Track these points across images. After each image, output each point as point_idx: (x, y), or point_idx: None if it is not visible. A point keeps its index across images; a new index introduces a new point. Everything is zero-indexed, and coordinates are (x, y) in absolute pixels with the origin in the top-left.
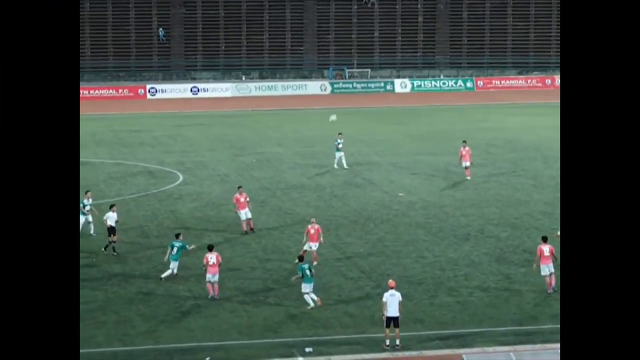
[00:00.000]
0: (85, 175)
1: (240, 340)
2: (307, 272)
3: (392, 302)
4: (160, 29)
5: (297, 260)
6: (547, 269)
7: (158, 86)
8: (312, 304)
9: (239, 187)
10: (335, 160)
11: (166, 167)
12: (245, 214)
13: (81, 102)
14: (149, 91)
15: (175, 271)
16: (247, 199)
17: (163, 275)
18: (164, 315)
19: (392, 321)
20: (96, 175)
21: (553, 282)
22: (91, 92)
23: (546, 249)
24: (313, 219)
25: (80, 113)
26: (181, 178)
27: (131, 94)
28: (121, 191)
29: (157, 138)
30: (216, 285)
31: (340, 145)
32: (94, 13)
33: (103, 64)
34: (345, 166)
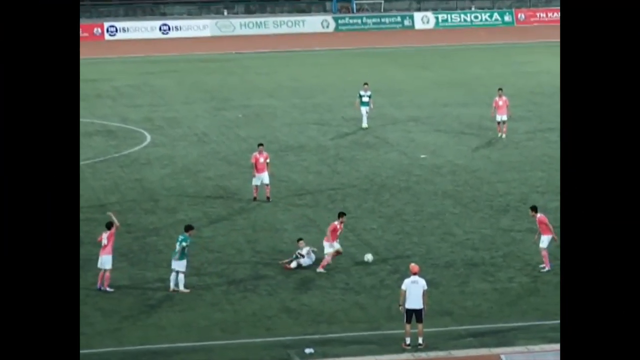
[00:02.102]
0: None
1: (224, 340)
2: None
3: (414, 291)
4: None
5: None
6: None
7: (119, 24)
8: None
9: (260, 145)
10: (364, 118)
11: (130, 125)
12: (261, 178)
13: None
14: (107, 30)
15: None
16: (268, 160)
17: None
18: (128, 310)
19: (415, 314)
20: None
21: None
22: None
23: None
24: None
25: None
26: (149, 138)
27: (85, 34)
28: None
29: (118, 89)
30: (108, 274)
31: (366, 99)
32: None
33: None
34: (364, 125)
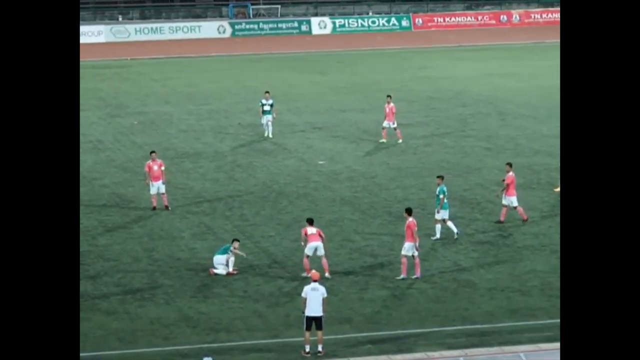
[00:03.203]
0: None
1: (120, 350)
2: None
3: (314, 298)
4: None
5: None
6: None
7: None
8: None
9: (152, 152)
10: (268, 128)
11: None
12: (158, 187)
13: None
14: None
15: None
16: (163, 168)
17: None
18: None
19: (314, 322)
20: None
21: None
22: None
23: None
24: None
25: None
26: None
27: None
28: None
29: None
30: None
31: (267, 107)
32: None
33: None
34: (269, 134)
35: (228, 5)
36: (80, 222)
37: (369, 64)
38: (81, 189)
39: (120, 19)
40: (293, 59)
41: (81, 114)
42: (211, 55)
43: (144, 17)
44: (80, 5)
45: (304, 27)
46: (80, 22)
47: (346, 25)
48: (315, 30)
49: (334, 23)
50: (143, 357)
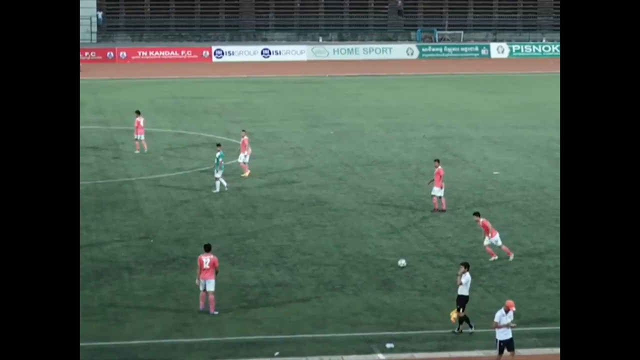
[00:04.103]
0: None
1: (313, 334)
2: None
3: (504, 322)
4: None
5: None
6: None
7: (225, 48)
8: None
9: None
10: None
11: (233, 139)
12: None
13: (140, 64)
14: (214, 53)
15: None
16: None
17: None
18: (228, 304)
19: (506, 346)
20: (155, 146)
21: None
22: (150, 53)
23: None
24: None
25: (139, 76)
26: (249, 151)
27: (195, 56)
28: (182, 164)
29: (223, 106)
30: (212, 297)
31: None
32: None
33: (164, 22)
34: (218, 189)
35: (416, 30)
36: (280, 219)
37: (541, 85)
38: (281, 190)
39: (320, 40)
40: (472, 80)
41: (284, 123)
42: (399, 75)
43: (341, 39)
44: (286, 27)
45: (483, 51)
46: (286, 42)
47: (522, 50)
48: (494, 54)
49: (510, 48)
50: (333, 341)
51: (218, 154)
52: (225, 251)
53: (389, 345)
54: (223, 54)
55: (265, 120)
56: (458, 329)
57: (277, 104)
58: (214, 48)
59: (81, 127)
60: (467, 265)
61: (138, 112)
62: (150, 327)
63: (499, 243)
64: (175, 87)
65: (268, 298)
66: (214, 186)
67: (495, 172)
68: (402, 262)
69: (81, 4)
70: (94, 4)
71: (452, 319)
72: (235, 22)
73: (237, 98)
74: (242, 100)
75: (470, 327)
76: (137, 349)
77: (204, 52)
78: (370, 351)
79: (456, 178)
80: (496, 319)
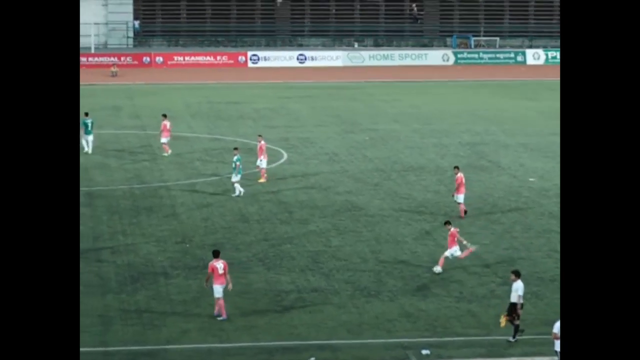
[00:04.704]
0: (179, 151)
1: (348, 340)
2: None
3: None
4: None
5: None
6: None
7: (261, 53)
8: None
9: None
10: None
11: (269, 144)
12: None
13: (176, 69)
14: (250, 59)
15: None
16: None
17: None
18: (263, 309)
19: None
20: (191, 152)
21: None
22: (186, 58)
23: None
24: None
25: (175, 81)
26: (285, 156)
27: (230, 61)
28: (218, 170)
29: (258, 111)
30: (222, 302)
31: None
32: None
33: (200, 28)
34: (237, 192)
35: (452, 36)
36: (316, 224)
37: None
38: (317, 196)
39: (356, 45)
40: (508, 86)
41: (319, 129)
42: (435, 81)
43: (377, 45)
44: (322, 33)
45: (519, 58)
46: (321, 47)
47: (558, 57)
48: (530, 61)
49: (546, 55)
50: (368, 347)
51: (235, 157)
52: (260, 256)
53: (424, 352)
54: (259, 59)
55: (300, 125)
56: (514, 337)
57: (312, 109)
58: (249, 53)
59: (118, 131)
60: (517, 273)
61: (164, 116)
62: (187, 332)
63: (458, 254)
64: (211, 92)
65: (304, 303)
66: (233, 190)
67: (531, 179)
68: (437, 269)
69: (117, 10)
70: (130, 9)
71: (501, 324)
72: (271, 28)
73: (273, 103)
74: (277, 105)
75: (514, 336)
76: (173, 354)
77: (239, 58)
78: (406, 357)
79: (492, 185)
80: (555, 330)
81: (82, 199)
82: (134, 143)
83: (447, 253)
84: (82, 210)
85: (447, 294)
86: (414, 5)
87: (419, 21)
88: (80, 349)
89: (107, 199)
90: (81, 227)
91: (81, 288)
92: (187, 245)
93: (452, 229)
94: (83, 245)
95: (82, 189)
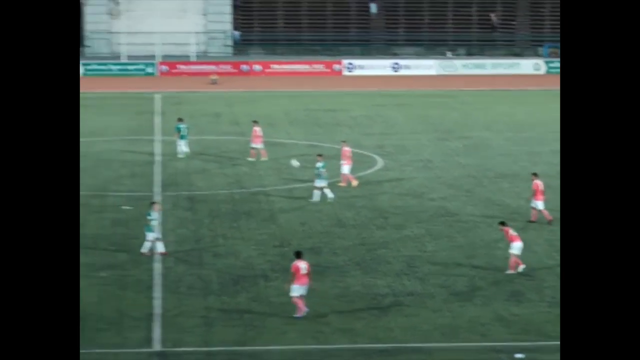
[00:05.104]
0: (277, 157)
1: (443, 343)
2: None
3: None
4: (373, 4)
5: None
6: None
7: (356, 62)
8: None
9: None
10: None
11: (364, 151)
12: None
13: (273, 77)
14: (345, 67)
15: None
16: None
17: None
18: (361, 312)
19: None
20: (289, 158)
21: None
22: (284, 66)
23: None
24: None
25: (272, 89)
26: (380, 163)
27: (327, 69)
28: (331, 175)
29: (354, 118)
30: (299, 300)
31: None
32: None
33: (297, 37)
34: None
35: (543, 45)
36: (411, 230)
37: None
38: (412, 201)
39: (449, 54)
40: None
41: (413, 136)
42: (527, 89)
43: (469, 54)
44: (415, 42)
45: None
46: (415, 56)
47: None
48: None
49: None
50: (462, 350)
51: (319, 164)
52: (357, 260)
53: (518, 356)
54: (354, 67)
55: (395, 132)
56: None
57: (407, 117)
58: (345, 62)
59: (218, 137)
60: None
61: (255, 122)
62: (285, 334)
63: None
64: (308, 99)
65: (400, 307)
66: (311, 195)
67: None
68: (294, 163)
69: (217, 19)
70: (229, 19)
71: None
72: (366, 37)
73: (368, 111)
74: (373, 113)
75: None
76: (273, 354)
77: (335, 66)
78: None
79: None
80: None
81: (184, 203)
82: (233, 149)
83: (514, 250)
84: (184, 214)
85: (540, 299)
86: (493, 15)
87: (499, 30)
88: (184, 349)
89: (208, 203)
90: (183, 230)
91: (184, 290)
92: (286, 249)
93: (504, 228)
94: (185, 247)
95: (184, 193)
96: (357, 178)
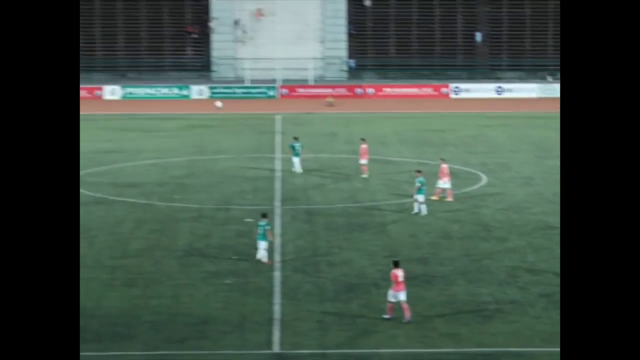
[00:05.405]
0: (388, 175)
1: (543, 348)
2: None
3: None
4: (479, 33)
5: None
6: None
7: (462, 85)
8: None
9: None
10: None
11: (469, 168)
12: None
13: (385, 100)
14: (452, 90)
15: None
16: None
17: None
18: (466, 319)
19: None
20: (399, 175)
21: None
22: (395, 90)
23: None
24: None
25: (384, 110)
26: (484, 179)
27: (435, 92)
28: (430, 191)
29: (460, 138)
30: (406, 305)
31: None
32: (400, 10)
33: (407, 62)
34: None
35: None
36: (513, 242)
37: None
38: (514, 216)
39: (549, 79)
40: None
41: (515, 154)
42: None
43: None
44: (518, 67)
45: None
46: (517, 80)
47: None
48: None
49: None
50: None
51: (418, 179)
52: (462, 270)
53: None
54: (460, 90)
55: (498, 151)
56: None
57: (509, 136)
58: (452, 85)
59: (334, 155)
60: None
61: (363, 140)
62: (395, 338)
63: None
64: (417, 120)
65: (502, 314)
66: (412, 208)
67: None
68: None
69: (333, 46)
70: (344, 45)
71: None
72: (472, 63)
73: (473, 131)
74: (477, 133)
75: None
76: (383, 357)
77: (443, 89)
78: None
79: None
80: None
81: (302, 216)
82: (348, 166)
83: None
84: (302, 226)
85: None
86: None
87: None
88: (301, 351)
89: (324, 217)
90: (301, 242)
91: (301, 296)
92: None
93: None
94: (303, 257)
95: (302, 207)
96: (464, 194)
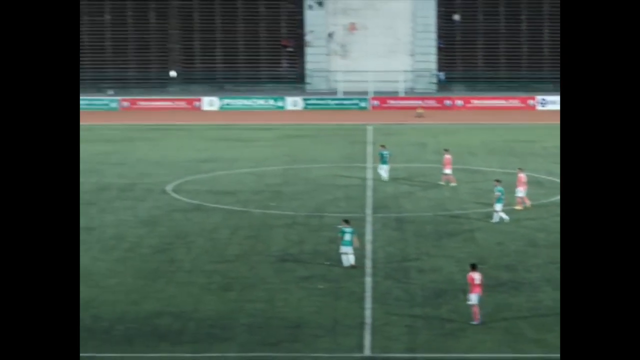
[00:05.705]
0: (474, 183)
1: None
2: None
3: None
4: None
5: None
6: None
7: (548, 97)
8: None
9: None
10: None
11: (555, 178)
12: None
13: (473, 111)
14: (539, 102)
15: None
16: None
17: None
18: (552, 325)
19: None
20: (486, 183)
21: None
22: (483, 101)
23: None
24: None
25: (473, 121)
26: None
27: (522, 104)
28: (510, 201)
29: (547, 149)
30: (477, 309)
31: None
32: (488, 25)
33: (495, 75)
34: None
35: None
36: None
37: None
38: None
39: None
40: None
41: None
42: None
43: None
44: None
45: None
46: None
47: None
48: None
49: None
50: None
51: (497, 188)
52: (548, 277)
53: None
54: (547, 102)
55: None
56: None
57: None
58: (539, 97)
59: (423, 165)
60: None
61: (446, 150)
62: (483, 342)
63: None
64: (504, 131)
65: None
66: (492, 217)
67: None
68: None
69: (422, 59)
70: (434, 58)
71: None
72: (558, 75)
73: (559, 142)
74: None
75: None
76: None
77: (529, 101)
78: None
79: None
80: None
81: (392, 224)
82: (437, 175)
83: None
84: (392, 233)
85: None
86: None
87: None
88: (391, 355)
89: (414, 224)
90: (391, 249)
91: (391, 301)
92: (485, 266)
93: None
94: (393, 263)
95: (393, 214)
96: (549, 203)
